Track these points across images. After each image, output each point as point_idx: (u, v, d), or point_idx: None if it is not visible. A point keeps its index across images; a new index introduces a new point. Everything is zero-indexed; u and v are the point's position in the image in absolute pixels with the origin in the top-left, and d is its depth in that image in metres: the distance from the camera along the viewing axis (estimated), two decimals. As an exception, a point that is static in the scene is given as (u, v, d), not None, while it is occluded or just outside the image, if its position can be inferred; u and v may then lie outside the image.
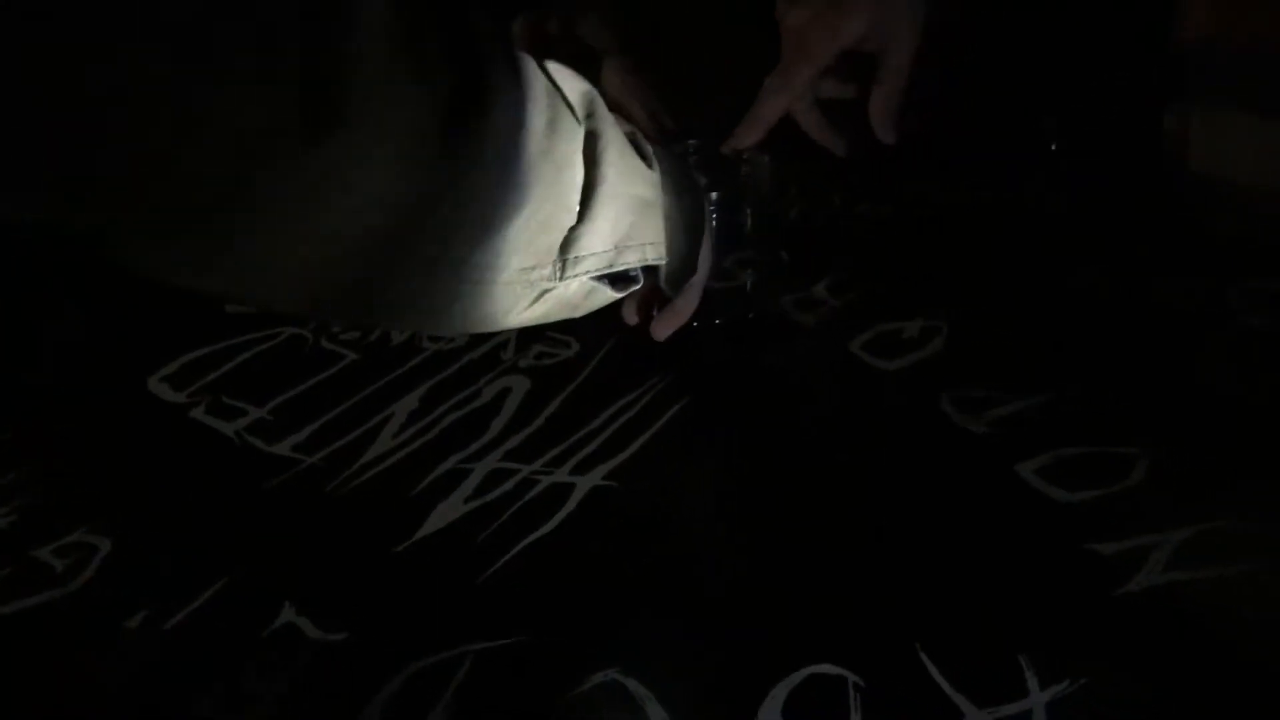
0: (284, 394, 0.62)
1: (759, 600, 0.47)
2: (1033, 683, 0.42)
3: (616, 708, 0.42)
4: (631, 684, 0.43)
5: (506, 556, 0.50)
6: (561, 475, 0.55)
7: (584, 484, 0.54)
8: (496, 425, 0.58)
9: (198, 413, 0.61)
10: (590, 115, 0.44)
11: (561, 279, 0.44)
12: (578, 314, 0.47)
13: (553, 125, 0.41)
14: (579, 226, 0.43)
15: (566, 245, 0.43)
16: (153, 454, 0.59)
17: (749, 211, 0.61)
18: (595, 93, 0.45)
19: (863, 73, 0.68)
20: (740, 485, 0.53)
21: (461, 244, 0.39)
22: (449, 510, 0.53)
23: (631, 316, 0.57)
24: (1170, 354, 0.59)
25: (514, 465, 0.55)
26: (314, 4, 0.32)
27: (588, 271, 0.45)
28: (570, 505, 0.53)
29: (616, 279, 0.47)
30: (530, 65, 0.42)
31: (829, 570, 0.48)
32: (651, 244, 0.48)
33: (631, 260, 0.47)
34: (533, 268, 0.42)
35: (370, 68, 0.34)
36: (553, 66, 0.44)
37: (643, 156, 0.48)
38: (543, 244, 0.42)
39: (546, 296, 0.44)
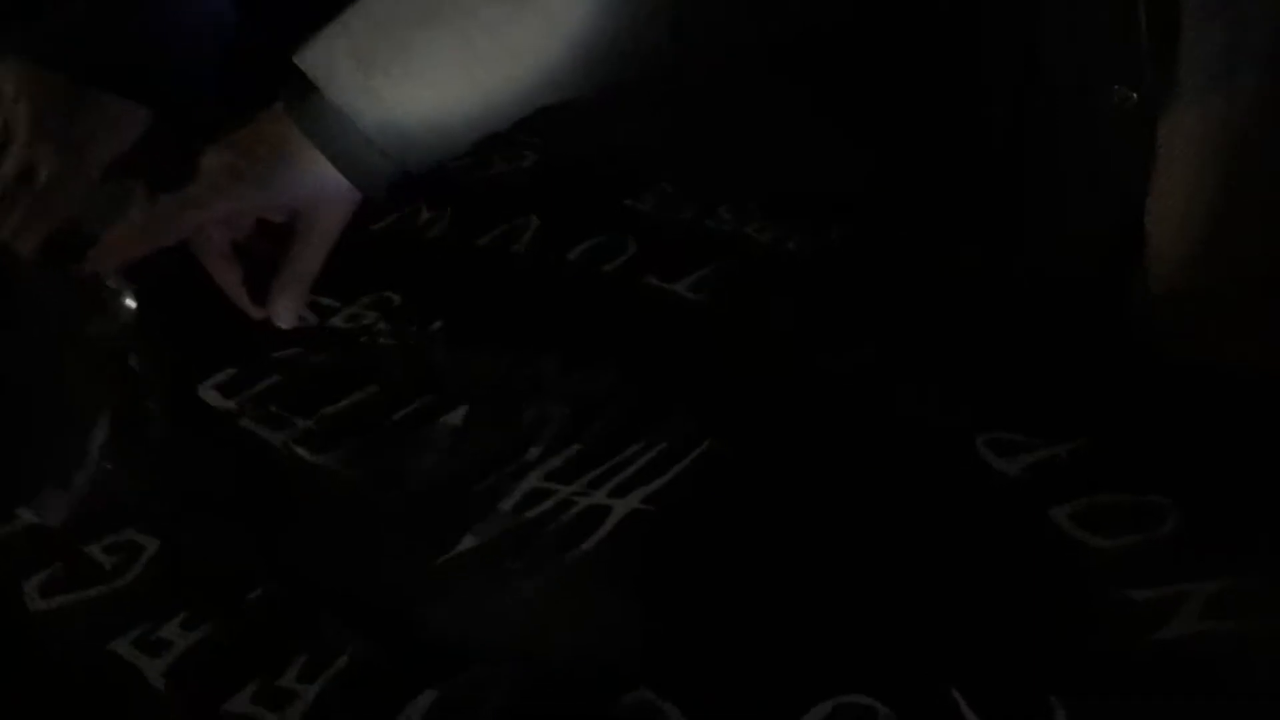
0: (330, 406, 0.63)
1: (792, 629, 0.47)
2: (1062, 721, 0.42)
3: (649, 726, 0.43)
4: (666, 706, 0.44)
5: (544, 574, 0.51)
6: (599, 497, 0.55)
7: (621, 507, 0.55)
8: (536, 448, 0.59)
9: (247, 421, 0.62)
10: None
11: None
12: None
13: None
14: None
15: None
16: (202, 460, 0.60)
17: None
18: None
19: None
20: (776, 518, 0.54)
21: None
22: (488, 527, 0.54)
23: None
24: (1202, 406, 0.59)
25: (553, 486, 0.56)
26: None
27: None
28: (607, 527, 0.54)
29: None
30: None
31: (863, 604, 0.49)
32: None
33: None
34: None
35: None
36: None
37: None
38: None
39: None
